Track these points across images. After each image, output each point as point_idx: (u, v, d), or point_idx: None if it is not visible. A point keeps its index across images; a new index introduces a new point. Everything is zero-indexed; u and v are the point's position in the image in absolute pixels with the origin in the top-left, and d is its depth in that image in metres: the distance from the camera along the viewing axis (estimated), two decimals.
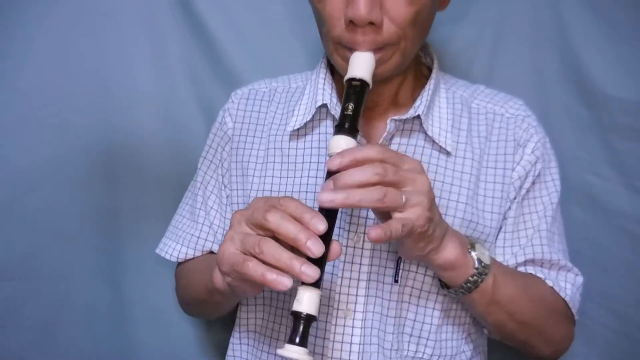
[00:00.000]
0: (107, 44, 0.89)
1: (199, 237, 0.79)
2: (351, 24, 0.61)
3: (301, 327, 0.52)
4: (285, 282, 0.50)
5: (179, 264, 0.83)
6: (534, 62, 0.89)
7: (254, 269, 0.51)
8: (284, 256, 0.50)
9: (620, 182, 0.82)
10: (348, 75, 0.62)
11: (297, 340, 0.52)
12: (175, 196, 0.88)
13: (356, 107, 0.59)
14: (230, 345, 0.79)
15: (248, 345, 0.76)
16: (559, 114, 0.87)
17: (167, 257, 0.80)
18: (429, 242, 0.58)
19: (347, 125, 0.58)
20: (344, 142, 0.58)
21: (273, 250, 0.51)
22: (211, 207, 0.79)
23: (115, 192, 0.91)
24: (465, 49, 0.92)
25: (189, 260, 0.80)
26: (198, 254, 0.79)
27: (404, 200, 0.53)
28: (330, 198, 0.51)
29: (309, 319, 0.52)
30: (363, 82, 0.61)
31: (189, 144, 0.93)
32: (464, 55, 0.92)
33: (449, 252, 0.60)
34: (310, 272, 0.50)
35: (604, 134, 0.83)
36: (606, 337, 0.84)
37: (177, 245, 0.80)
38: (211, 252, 0.80)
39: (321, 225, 0.51)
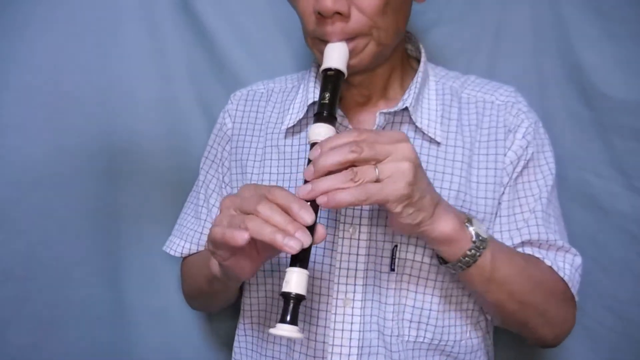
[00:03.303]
0: (108, 45, 0.89)
1: (201, 233, 0.82)
2: (320, 16, 0.63)
3: (291, 307, 0.54)
4: (242, 235, 0.52)
5: (184, 260, 0.85)
6: (534, 62, 0.89)
7: (215, 231, 0.54)
8: (267, 230, 0.52)
9: (620, 182, 0.82)
10: (323, 67, 0.65)
11: (288, 319, 0.54)
12: (175, 195, 0.89)
13: (332, 95, 0.62)
14: (235, 337, 0.81)
15: (253, 336, 0.78)
16: (559, 114, 0.87)
17: (172, 253, 0.83)
18: (419, 210, 0.58)
19: (325, 113, 0.61)
20: (323, 129, 0.60)
21: (257, 225, 0.53)
22: (213, 205, 0.82)
23: (116, 191, 0.92)
24: (465, 49, 0.92)
25: (192, 255, 0.83)
26: (201, 249, 0.82)
27: (377, 173, 0.54)
28: (308, 189, 0.54)
29: (298, 298, 0.54)
30: (337, 71, 0.64)
31: (188, 144, 0.93)
32: (464, 55, 0.92)
33: (444, 224, 0.60)
34: (293, 244, 0.52)
35: (604, 134, 0.83)
36: (606, 337, 0.84)
37: (182, 241, 0.83)
38: None
39: (308, 218, 0.54)
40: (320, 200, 0.54)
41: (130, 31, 0.90)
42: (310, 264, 0.65)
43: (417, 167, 0.57)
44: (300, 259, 0.55)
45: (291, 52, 0.95)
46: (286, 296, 0.55)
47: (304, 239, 0.52)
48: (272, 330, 0.54)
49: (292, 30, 0.93)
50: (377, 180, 0.55)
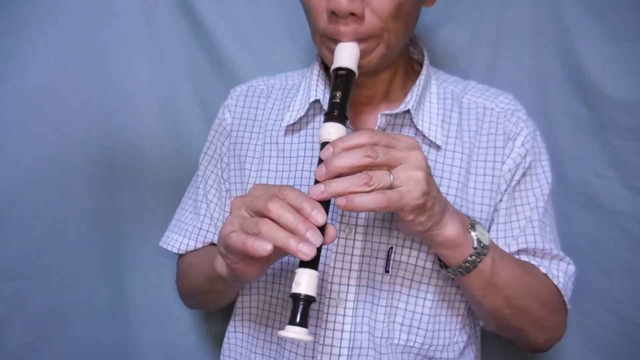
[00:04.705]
0: (108, 44, 0.90)
1: (200, 229, 0.81)
2: (333, 15, 0.63)
3: (301, 308, 0.53)
4: (265, 246, 0.51)
5: (180, 256, 0.84)
6: (534, 62, 0.89)
7: (236, 238, 0.53)
8: (280, 235, 0.52)
9: (620, 182, 0.82)
10: (334, 66, 0.64)
11: (298, 320, 0.53)
12: (175, 194, 0.89)
13: (344, 95, 0.61)
14: (226, 334, 0.80)
15: (243, 333, 0.78)
16: (559, 114, 0.87)
17: (170, 248, 0.82)
18: (430, 217, 0.58)
19: (336, 113, 0.60)
20: (333, 129, 0.59)
21: (270, 230, 0.52)
22: (211, 201, 0.82)
23: (116, 191, 0.92)
24: (465, 49, 0.92)
25: (190, 252, 0.82)
26: (199, 245, 0.81)
27: (391, 179, 0.54)
28: (321, 190, 0.53)
29: (309, 299, 0.54)
30: (349, 71, 0.63)
31: (188, 143, 0.94)
32: (464, 55, 0.92)
33: (450, 229, 0.61)
34: (307, 250, 0.51)
35: (604, 134, 0.83)
36: (606, 337, 0.84)
37: (180, 237, 0.82)
38: (212, 244, 0.81)
39: (320, 218, 0.53)
40: (339, 203, 0.53)
41: (130, 31, 0.90)
42: None
43: (429, 176, 0.57)
44: (311, 259, 0.54)
45: (291, 51, 0.95)
46: (296, 297, 0.54)
47: (316, 239, 0.52)
48: (281, 333, 0.53)
49: (292, 29, 0.93)
50: (391, 187, 0.54)
